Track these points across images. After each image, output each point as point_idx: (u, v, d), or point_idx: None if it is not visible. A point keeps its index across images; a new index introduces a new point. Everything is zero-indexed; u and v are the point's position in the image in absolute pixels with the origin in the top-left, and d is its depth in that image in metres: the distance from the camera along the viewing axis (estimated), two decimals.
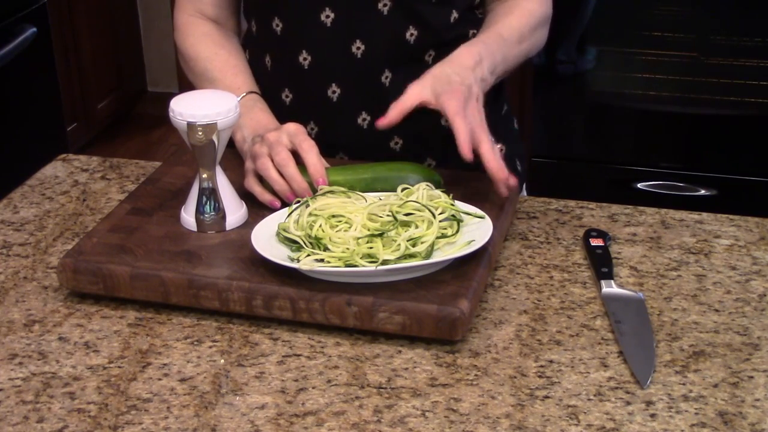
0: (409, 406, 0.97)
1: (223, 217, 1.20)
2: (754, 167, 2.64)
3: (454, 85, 1.22)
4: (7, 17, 2.83)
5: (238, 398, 0.99)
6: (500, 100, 1.47)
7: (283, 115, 1.36)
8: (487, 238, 1.11)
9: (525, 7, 1.39)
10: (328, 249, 1.09)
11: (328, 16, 1.34)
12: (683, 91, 2.65)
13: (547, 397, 0.98)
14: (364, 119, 1.38)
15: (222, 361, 1.04)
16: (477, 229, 1.14)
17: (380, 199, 1.17)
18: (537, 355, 1.04)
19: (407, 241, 1.09)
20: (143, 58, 4.01)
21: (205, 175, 1.19)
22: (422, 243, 1.10)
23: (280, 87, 1.41)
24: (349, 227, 1.12)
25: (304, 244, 1.11)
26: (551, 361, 1.03)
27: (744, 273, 1.19)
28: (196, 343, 1.07)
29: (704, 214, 1.31)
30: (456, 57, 1.27)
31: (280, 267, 1.09)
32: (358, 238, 1.09)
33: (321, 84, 1.37)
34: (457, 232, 1.13)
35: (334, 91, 1.37)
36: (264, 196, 1.24)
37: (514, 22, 1.36)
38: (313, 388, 1.00)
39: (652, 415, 0.96)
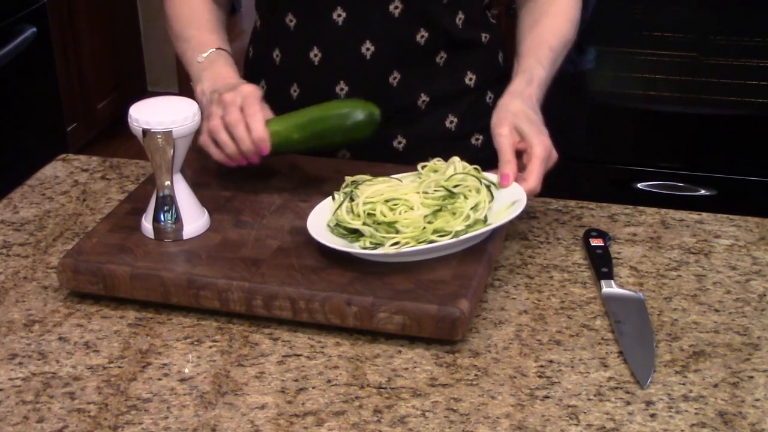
0: (409, 406, 0.97)
1: (181, 226, 1.19)
2: (754, 167, 2.64)
3: (536, 125, 1.26)
4: (7, 17, 2.83)
5: (238, 398, 0.99)
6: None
7: (289, 108, 1.37)
8: (524, 197, 1.17)
9: (562, 4, 1.38)
10: (399, 231, 1.12)
11: (340, 15, 1.35)
12: (683, 91, 2.65)
13: (547, 397, 0.98)
14: None
15: (222, 361, 1.04)
16: (509, 194, 1.18)
17: (420, 178, 1.20)
18: (537, 355, 1.04)
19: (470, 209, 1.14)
20: (143, 58, 4.01)
21: (162, 183, 1.19)
22: (481, 209, 1.14)
23: (289, 82, 1.41)
24: (408, 209, 1.13)
25: (370, 231, 1.12)
26: (551, 361, 1.03)
27: (744, 273, 1.19)
28: (196, 343, 1.07)
29: (704, 214, 1.31)
30: (519, 88, 1.29)
31: (352, 256, 1.11)
32: (426, 216, 1.12)
33: (329, 81, 1.38)
34: (492, 198, 1.17)
35: (342, 89, 1.38)
36: (218, 155, 1.25)
37: (559, 27, 1.36)
38: (313, 388, 1.00)
39: (652, 415, 0.96)
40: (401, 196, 1.15)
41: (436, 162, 1.22)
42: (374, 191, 1.16)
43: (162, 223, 1.18)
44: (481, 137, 1.43)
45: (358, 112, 1.25)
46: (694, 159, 2.69)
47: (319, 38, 1.37)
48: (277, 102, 1.41)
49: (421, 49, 1.36)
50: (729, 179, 2.65)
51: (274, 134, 1.24)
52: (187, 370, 1.03)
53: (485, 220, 1.15)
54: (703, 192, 2.68)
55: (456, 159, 1.21)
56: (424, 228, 1.12)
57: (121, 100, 3.79)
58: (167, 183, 1.19)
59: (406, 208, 1.14)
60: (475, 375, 1.01)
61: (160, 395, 0.99)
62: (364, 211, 1.14)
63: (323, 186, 1.27)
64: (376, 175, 1.22)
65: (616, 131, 2.73)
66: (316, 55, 1.37)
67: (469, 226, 1.13)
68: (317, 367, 1.03)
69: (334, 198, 1.19)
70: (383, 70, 1.36)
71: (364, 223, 1.13)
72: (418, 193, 1.15)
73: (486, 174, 1.21)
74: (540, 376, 1.01)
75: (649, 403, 0.97)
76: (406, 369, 1.03)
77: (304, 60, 1.39)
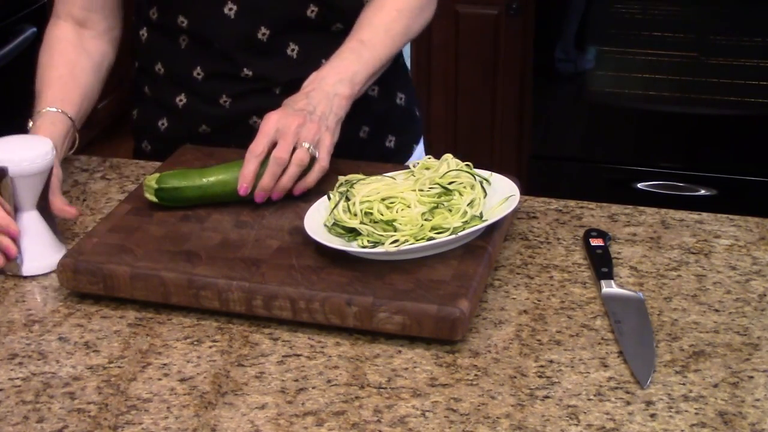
0: (409, 406, 0.97)
1: (21, 263, 1.19)
2: (754, 167, 2.64)
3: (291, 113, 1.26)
4: (7, 17, 2.83)
5: (238, 398, 0.99)
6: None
7: (195, 89, 1.43)
8: (517, 192, 1.18)
9: None
10: (398, 229, 1.12)
11: (231, 9, 1.37)
12: (683, 91, 2.65)
13: (547, 397, 0.98)
14: (276, 92, 1.41)
15: (222, 361, 1.04)
16: (502, 190, 1.19)
17: (413, 176, 1.20)
18: (537, 355, 1.04)
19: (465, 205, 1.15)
20: None
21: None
22: (476, 205, 1.15)
23: (192, 65, 1.43)
24: (405, 207, 1.14)
25: (368, 230, 1.12)
26: (551, 361, 1.03)
27: (744, 273, 1.19)
28: (196, 343, 1.07)
29: (704, 214, 1.31)
30: (319, 80, 1.30)
31: (352, 257, 1.12)
32: (423, 213, 1.13)
33: (232, 66, 1.41)
34: (486, 194, 1.18)
35: (246, 75, 1.41)
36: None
37: (381, 19, 1.37)
38: (313, 388, 1.00)
39: (652, 415, 0.96)
40: (398, 195, 1.15)
41: (428, 159, 1.23)
42: (370, 190, 1.16)
43: None
44: (376, 88, 1.47)
45: None
46: (694, 159, 2.69)
47: (215, 33, 1.39)
48: (184, 83, 1.44)
49: (313, 22, 1.39)
50: (729, 179, 2.65)
51: (216, 183, 1.24)
52: (187, 370, 1.03)
53: (481, 216, 1.15)
54: (703, 192, 2.68)
55: (449, 156, 1.21)
56: (422, 225, 1.12)
57: (121, 101, 3.79)
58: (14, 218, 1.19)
59: (404, 206, 1.14)
60: (475, 375, 1.01)
61: (160, 395, 0.99)
62: (361, 210, 1.14)
63: (322, 186, 1.27)
64: (369, 174, 1.22)
65: (616, 131, 2.73)
66: (216, 46, 1.40)
67: (466, 223, 1.14)
68: (317, 367, 1.03)
69: (329, 198, 1.19)
70: (281, 46, 1.40)
71: (361, 222, 1.13)
72: (414, 191, 1.15)
73: (478, 170, 1.21)
74: (540, 376, 1.01)
75: (649, 403, 0.97)
76: (406, 369, 1.03)
77: (205, 51, 1.41)
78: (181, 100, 1.45)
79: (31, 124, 1.34)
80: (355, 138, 1.46)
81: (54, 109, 1.35)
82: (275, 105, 1.40)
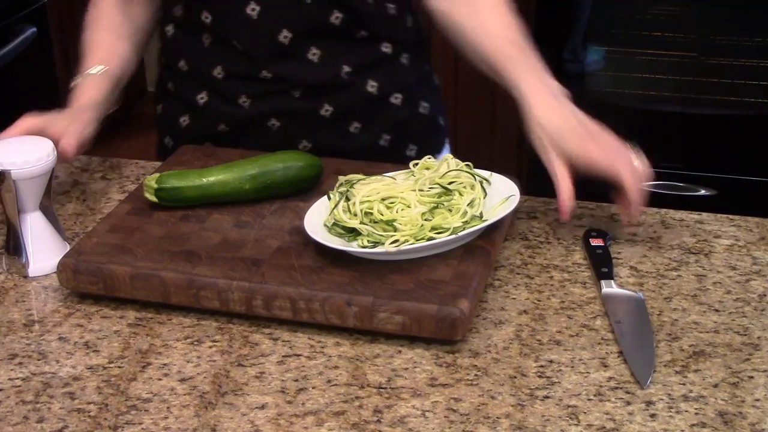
0: (409, 406, 0.97)
1: (27, 264, 1.20)
2: (754, 167, 2.64)
3: (592, 136, 1.33)
4: (7, 17, 2.83)
5: (238, 398, 0.99)
6: (421, 60, 1.50)
7: (215, 88, 1.43)
8: (517, 192, 1.18)
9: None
10: (398, 229, 1.12)
11: (254, 9, 1.37)
12: (683, 91, 2.65)
13: (547, 397, 0.98)
14: (296, 95, 1.42)
15: (222, 361, 1.04)
16: (502, 189, 1.19)
17: (413, 176, 1.20)
18: (537, 355, 1.04)
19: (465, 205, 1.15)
20: (143, 58, 4.00)
21: (14, 219, 1.19)
22: (476, 205, 1.16)
23: (213, 64, 1.44)
24: (405, 207, 1.14)
25: (368, 230, 1.12)
26: (551, 361, 1.03)
27: (744, 273, 1.19)
28: (196, 343, 1.07)
29: (704, 214, 1.31)
30: (538, 89, 1.28)
31: (352, 257, 1.11)
32: (423, 213, 1.13)
33: (252, 66, 1.41)
34: (486, 195, 1.18)
35: (265, 77, 1.40)
36: None
37: (508, 20, 1.40)
38: (313, 388, 1.00)
39: (652, 415, 0.96)
40: (398, 195, 1.15)
41: (428, 159, 1.23)
42: (371, 190, 1.16)
43: (9, 256, 1.20)
44: (400, 96, 1.46)
45: (304, 165, 1.27)
46: (694, 159, 2.69)
47: (237, 32, 1.39)
48: (204, 82, 1.44)
49: (336, 28, 1.39)
50: (729, 179, 2.65)
51: (222, 182, 1.24)
52: (187, 370, 1.03)
53: (481, 216, 1.15)
54: (703, 192, 2.68)
55: (449, 156, 1.22)
56: (422, 225, 1.12)
57: (121, 100, 3.79)
58: (17, 221, 1.19)
59: (404, 206, 1.14)
60: (475, 375, 1.02)
61: (160, 395, 0.99)
62: (361, 210, 1.14)
63: (322, 186, 1.27)
64: (369, 174, 1.22)
65: (616, 131, 2.73)
66: (237, 45, 1.40)
67: (466, 223, 1.14)
68: (317, 367, 1.03)
69: (329, 198, 1.19)
70: (302, 50, 1.39)
71: (361, 222, 1.13)
72: (414, 191, 1.15)
73: (478, 171, 1.21)
74: (540, 376, 1.01)
75: (649, 403, 0.97)
76: (406, 369, 1.03)
77: (227, 48, 1.41)
78: (203, 98, 1.45)
79: (74, 83, 1.45)
80: (374, 146, 1.45)
81: (97, 69, 1.45)
82: (294, 107, 1.41)
